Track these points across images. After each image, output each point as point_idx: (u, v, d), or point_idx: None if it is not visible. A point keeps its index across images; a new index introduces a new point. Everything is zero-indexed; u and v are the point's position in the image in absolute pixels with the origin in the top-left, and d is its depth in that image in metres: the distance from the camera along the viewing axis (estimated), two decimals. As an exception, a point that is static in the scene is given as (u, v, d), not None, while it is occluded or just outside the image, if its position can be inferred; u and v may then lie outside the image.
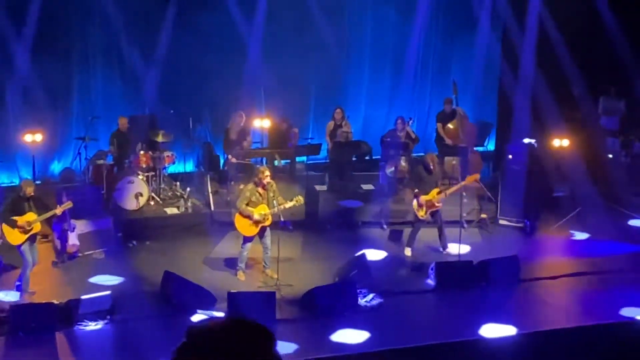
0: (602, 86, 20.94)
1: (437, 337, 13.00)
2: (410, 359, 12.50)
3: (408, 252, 16.80)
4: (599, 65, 19.96)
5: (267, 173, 15.17)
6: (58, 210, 15.12)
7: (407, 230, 17.47)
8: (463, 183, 16.91)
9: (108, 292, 13.84)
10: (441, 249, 16.82)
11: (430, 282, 15.38)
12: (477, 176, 17.23)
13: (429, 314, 14.53)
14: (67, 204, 15.23)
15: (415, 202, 16.61)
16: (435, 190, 16.51)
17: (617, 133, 21.04)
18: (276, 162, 19.73)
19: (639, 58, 19.69)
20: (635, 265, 16.35)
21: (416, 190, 16.68)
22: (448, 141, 20.47)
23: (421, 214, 16.54)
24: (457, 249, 16.60)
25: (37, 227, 14.75)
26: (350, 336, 13.34)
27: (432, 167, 16.79)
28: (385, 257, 16.71)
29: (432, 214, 16.66)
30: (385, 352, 12.68)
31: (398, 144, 19.92)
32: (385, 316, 14.10)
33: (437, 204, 16.47)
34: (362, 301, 14.36)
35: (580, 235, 17.97)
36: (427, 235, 17.13)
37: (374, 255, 16.53)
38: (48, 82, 19.15)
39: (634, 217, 18.75)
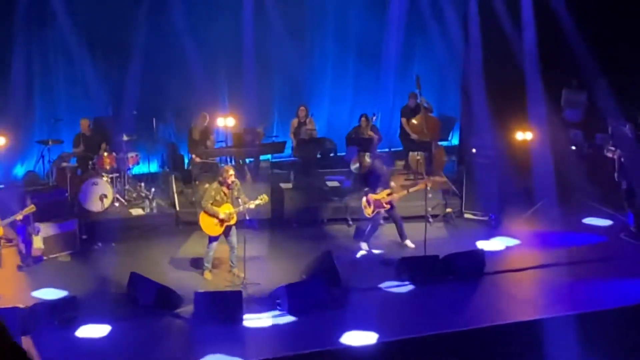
0: (564, 79, 21.08)
1: (404, 332, 13.05)
2: (379, 353, 12.57)
3: (364, 246, 16.92)
4: (560, 60, 20.08)
5: (232, 172, 15.18)
6: (19, 216, 15.15)
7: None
8: (417, 187, 17.08)
9: (74, 295, 13.78)
10: (401, 241, 17.00)
11: (399, 277, 15.45)
12: (430, 184, 17.29)
13: (396, 309, 14.52)
14: (30, 208, 15.24)
15: (364, 199, 16.85)
16: (385, 192, 16.68)
17: (580, 125, 21.17)
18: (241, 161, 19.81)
19: (597, 52, 19.80)
20: (598, 256, 16.50)
21: (366, 189, 16.90)
22: (414, 136, 20.53)
23: (368, 212, 16.79)
24: (413, 242, 16.92)
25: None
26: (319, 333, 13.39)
27: (379, 171, 16.97)
28: (352, 253, 16.77)
29: (390, 212, 16.87)
30: (355, 348, 12.73)
31: (362, 141, 19.97)
32: (354, 312, 14.11)
33: (385, 205, 16.67)
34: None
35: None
36: (394, 231, 17.24)
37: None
38: (9, 85, 19.06)
39: (596, 208, 18.86)
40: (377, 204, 16.73)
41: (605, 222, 18.35)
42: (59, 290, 14.57)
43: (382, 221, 17.16)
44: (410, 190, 17.11)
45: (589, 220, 18.46)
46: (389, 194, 16.71)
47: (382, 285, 15.23)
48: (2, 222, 14.85)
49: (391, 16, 22.46)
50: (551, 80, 20.51)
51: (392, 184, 17.02)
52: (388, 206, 16.79)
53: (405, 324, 13.60)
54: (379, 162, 17.29)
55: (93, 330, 13.20)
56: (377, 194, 16.76)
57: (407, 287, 15.11)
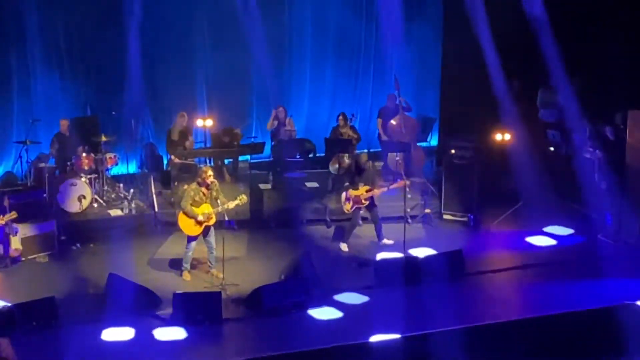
0: (540, 79, 21.09)
1: (382, 333, 13.04)
2: (359, 354, 12.56)
3: (344, 247, 16.93)
4: (537, 59, 20.09)
5: (210, 173, 15.13)
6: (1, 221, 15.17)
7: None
8: (395, 185, 17.13)
9: (52, 296, 13.70)
10: (378, 242, 17.01)
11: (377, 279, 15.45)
12: (408, 182, 17.24)
13: (374, 311, 14.49)
14: (12, 215, 15.20)
15: (343, 195, 16.84)
16: (364, 188, 16.69)
17: (556, 125, 21.17)
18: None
19: (573, 51, 19.80)
20: (577, 257, 16.54)
21: (346, 184, 16.89)
22: (384, 137, 20.55)
23: (347, 207, 16.81)
24: (391, 240, 16.99)
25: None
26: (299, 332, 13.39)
27: (363, 166, 16.94)
28: (331, 254, 16.75)
29: (369, 210, 16.85)
30: (334, 348, 12.72)
31: (341, 141, 19.96)
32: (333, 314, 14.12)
33: (363, 201, 16.67)
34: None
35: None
36: (372, 230, 17.25)
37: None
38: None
39: (575, 209, 18.88)
40: (356, 200, 16.73)
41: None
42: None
43: (360, 222, 17.17)
44: (390, 187, 17.17)
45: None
46: (368, 190, 16.71)
47: (361, 285, 15.20)
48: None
49: (370, 17, 22.52)
50: (528, 80, 20.54)
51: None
52: (367, 202, 16.77)
53: (383, 325, 13.56)
54: (364, 157, 17.23)
55: (71, 331, 13.15)
56: (356, 189, 16.76)
57: (385, 289, 15.05)
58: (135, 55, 19.65)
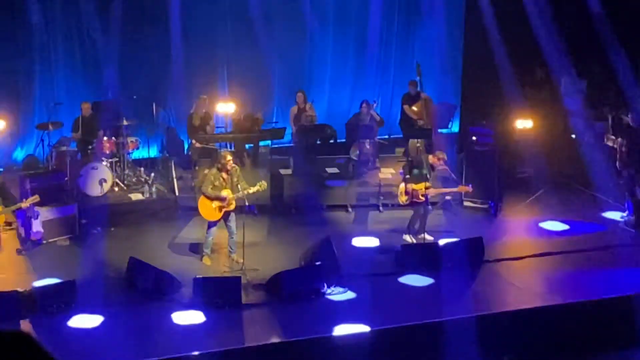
0: (564, 66, 21.02)
1: (401, 320, 13.04)
2: (377, 341, 12.57)
3: (409, 238, 16.66)
4: (562, 46, 20.02)
5: (229, 157, 15.14)
6: (24, 204, 15.22)
7: (372, 214, 17.69)
8: (455, 190, 17.04)
9: (73, 280, 13.77)
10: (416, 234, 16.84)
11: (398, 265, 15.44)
12: (469, 189, 17.07)
13: (394, 297, 14.51)
14: (34, 198, 15.25)
15: (402, 185, 16.58)
16: (424, 184, 16.44)
17: (579, 113, 21.11)
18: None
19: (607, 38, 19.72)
20: (597, 245, 16.48)
21: (407, 177, 16.63)
22: (420, 122, 20.44)
23: (402, 199, 16.57)
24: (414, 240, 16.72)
25: (0, 219, 14.87)
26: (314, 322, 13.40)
27: (433, 164, 16.66)
28: (351, 240, 16.73)
29: (424, 206, 16.64)
30: (351, 335, 12.74)
31: (363, 127, 19.93)
32: (352, 299, 14.12)
33: (420, 197, 16.45)
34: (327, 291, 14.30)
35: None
36: (397, 218, 17.22)
37: (363, 241, 16.61)
38: (9, 69, 19.08)
39: (596, 197, 18.84)
40: (415, 195, 16.54)
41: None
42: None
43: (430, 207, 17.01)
44: (447, 190, 17.17)
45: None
46: (427, 187, 16.51)
47: (382, 272, 15.22)
48: (5, 209, 14.90)
49: (392, 2, 22.45)
50: (551, 68, 20.47)
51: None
52: (423, 199, 16.55)
53: (402, 311, 13.59)
54: (441, 154, 16.87)
55: (88, 317, 13.20)
56: (417, 184, 16.54)
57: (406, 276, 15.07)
58: (157, 39, 19.68)
